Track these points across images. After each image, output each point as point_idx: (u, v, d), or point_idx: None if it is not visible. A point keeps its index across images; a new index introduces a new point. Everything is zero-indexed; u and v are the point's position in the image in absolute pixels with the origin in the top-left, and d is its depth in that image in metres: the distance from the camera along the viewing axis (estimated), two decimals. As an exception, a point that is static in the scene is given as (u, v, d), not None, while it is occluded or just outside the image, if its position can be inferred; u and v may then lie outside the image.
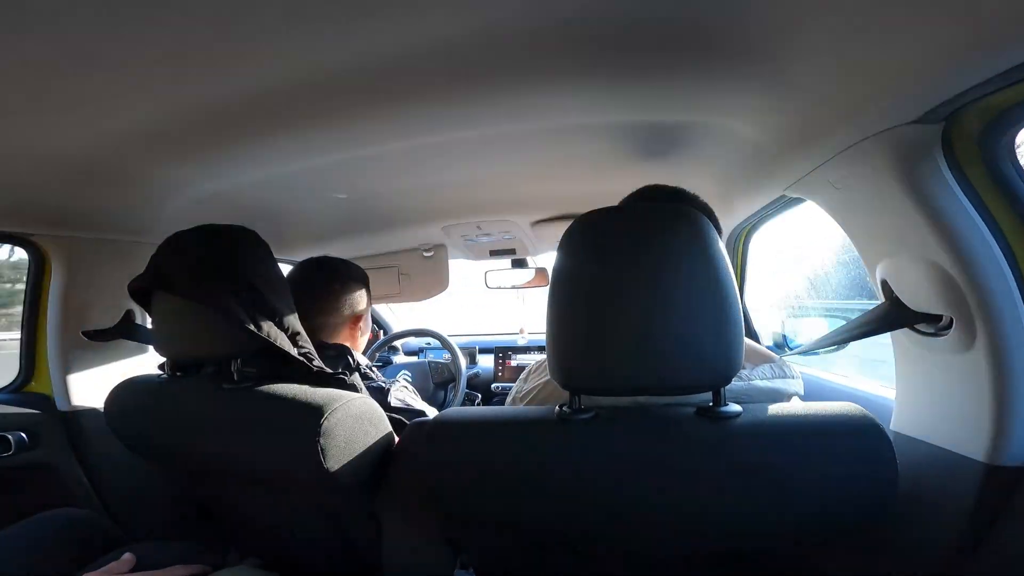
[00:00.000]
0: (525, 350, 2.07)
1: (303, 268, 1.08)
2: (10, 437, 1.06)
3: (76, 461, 1.13)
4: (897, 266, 0.71)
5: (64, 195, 0.95)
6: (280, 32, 0.56)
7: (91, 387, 1.16)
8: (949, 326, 0.66)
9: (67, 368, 1.13)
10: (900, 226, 0.68)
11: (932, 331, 0.69)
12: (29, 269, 1.14)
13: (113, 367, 1.20)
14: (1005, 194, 0.63)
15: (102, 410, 0.91)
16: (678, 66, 0.69)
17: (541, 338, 2.18)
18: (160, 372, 0.91)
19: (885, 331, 0.74)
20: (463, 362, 1.78)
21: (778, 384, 0.71)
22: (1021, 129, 0.62)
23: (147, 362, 1.27)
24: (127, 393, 0.90)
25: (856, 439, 0.57)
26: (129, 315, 1.19)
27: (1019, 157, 0.64)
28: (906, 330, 0.72)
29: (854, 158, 0.71)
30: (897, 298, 0.72)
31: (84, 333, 1.13)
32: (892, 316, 0.72)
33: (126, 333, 1.18)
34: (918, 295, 0.69)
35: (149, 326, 1.23)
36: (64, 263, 1.10)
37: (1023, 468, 0.62)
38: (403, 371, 1.31)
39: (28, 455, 1.08)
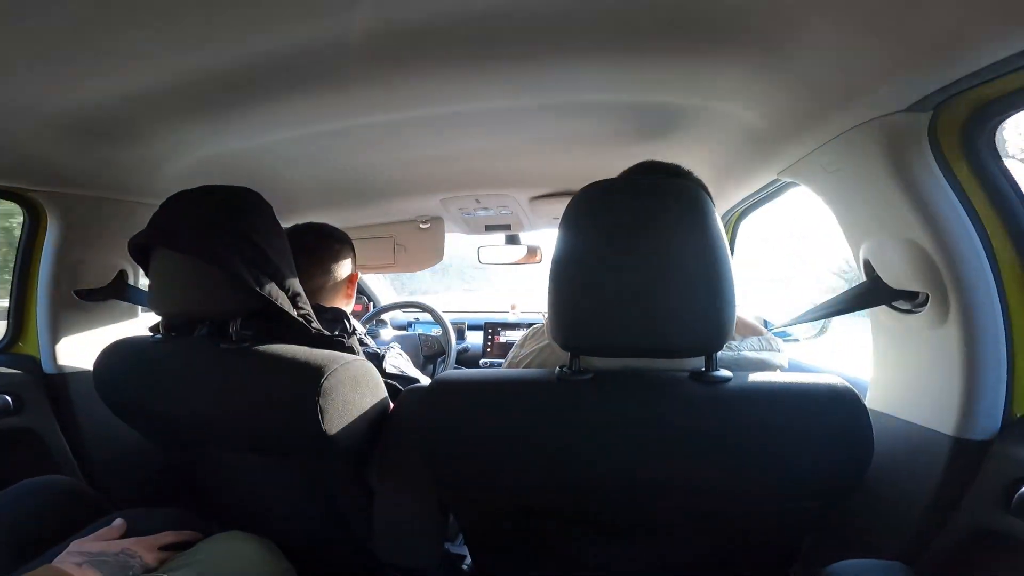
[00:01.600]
0: (515, 326, 2.09)
1: (293, 232, 1.08)
2: None
3: (59, 426, 1.13)
4: (879, 246, 0.75)
5: (66, 152, 0.94)
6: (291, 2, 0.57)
7: (79, 349, 1.15)
8: (925, 303, 0.70)
9: (56, 329, 1.12)
10: (885, 208, 0.72)
11: (909, 307, 0.73)
12: (23, 226, 1.12)
13: (102, 330, 1.19)
14: (984, 180, 0.67)
15: (88, 372, 0.90)
16: (680, 49, 0.70)
17: (532, 316, 2.21)
18: (151, 334, 0.90)
19: (865, 307, 0.78)
20: (453, 335, 1.79)
21: (765, 356, 0.75)
22: (1003, 120, 0.66)
23: (137, 326, 1.26)
24: (118, 353, 0.89)
25: (836, 408, 0.60)
26: (122, 275, 1.19)
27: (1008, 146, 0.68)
28: (884, 308, 0.76)
29: (846, 143, 0.74)
30: (878, 276, 0.76)
31: (76, 292, 1.12)
32: (872, 293, 0.76)
33: (119, 293, 1.17)
34: (897, 273, 0.73)
35: (142, 287, 1.23)
36: (61, 221, 1.09)
37: (989, 442, 0.66)
38: (393, 342, 1.32)
39: (11, 420, 1.07)
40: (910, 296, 0.72)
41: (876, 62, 0.61)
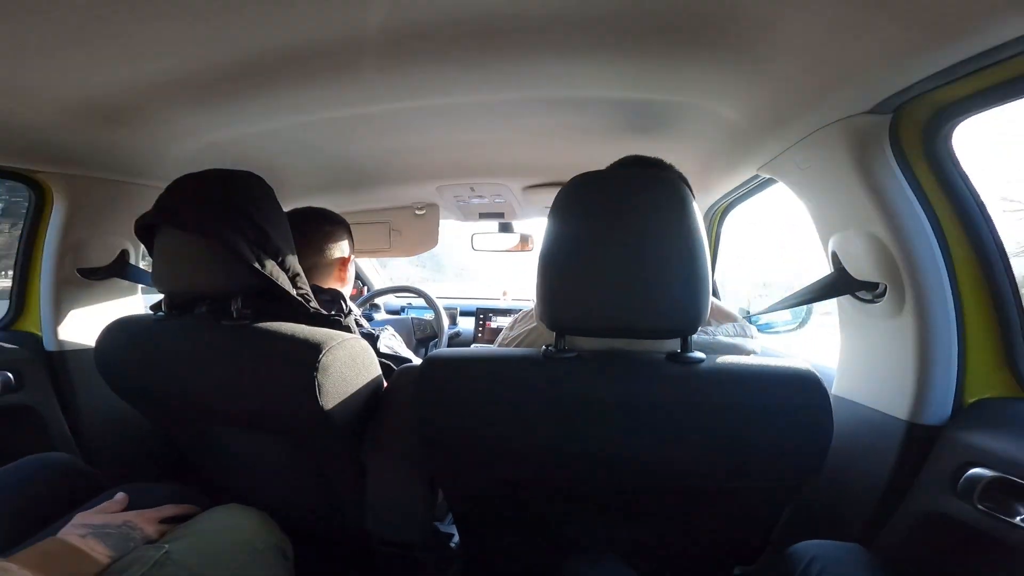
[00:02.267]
0: (506, 312, 2.13)
1: (290, 215, 1.11)
2: None
3: (58, 404, 1.15)
4: (845, 239, 0.80)
5: (74, 135, 0.96)
6: None
7: (80, 327, 1.18)
8: (884, 293, 0.75)
9: (58, 307, 1.15)
10: (850, 203, 0.76)
11: (870, 297, 0.78)
12: (29, 206, 1.15)
13: (103, 308, 1.22)
14: (941, 179, 0.72)
15: (89, 351, 0.92)
16: (668, 49, 0.74)
17: (523, 303, 2.26)
18: (153, 312, 0.93)
19: (831, 296, 0.83)
20: (445, 320, 1.83)
21: (738, 341, 0.80)
22: (960, 122, 0.70)
23: (137, 305, 1.29)
24: (120, 331, 0.91)
25: (799, 391, 0.64)
26: (124, 255, 1.22)
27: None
28: (849, 297, 0.81)
29: (816, 142, 0.79)
30: (843, 267, 0.81)
31: (79, 270, 1.15)
32: (838, 283, 0.81)
33: (120, 272, 1.20)
34: (860, 265, 0.78)
35: (143, 267, 1.26)
36: (66, 201, 1.11)
37: (941, 428, 0.71)
38: (387, 324, 1.36)
39: (11, 397, 1.09)
40: (871, 287, 0.77)
41: (840, 65, 0.65)
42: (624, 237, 0.63)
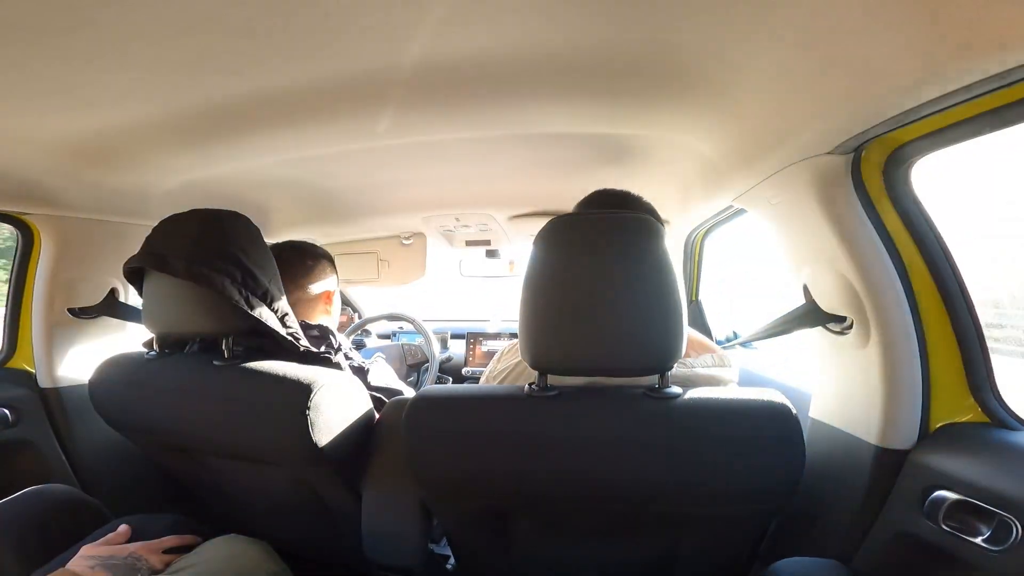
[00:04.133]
0: (495, 336, 2.15)
1: (273, 249, 1.12)
2: None
3: (55, 438, 1.16)
4: (814, 274, 0.83)
5: (60, 177, 0.98)
6: (280, 44, 0.63)
7: (72, 364, 1.19)
8: (851, 327, 0.78)
9: (50, 345, 1.15)
10: (817, 239, 0.80)
11: (839, 330, 0.81)
12: (17, 247, 1.16)
13: (95, 345, 1.23)
14: (903, 215, 0.75)
15: (83, 387, 0.94)
16: (643, 90, 0.78)
17: (511, 325, 2.28)
18: (145, 350, 0.94)
19: (803, 328, 0.86)
20: (436, 345, 1.84)
21: (716, 372, 0.82)
22: (918, 160, 0.74)
23: (128, 341, 1.30)
24: (114, 369, 0.92)
25: (773, 422, 0.66)
26: (113, 293, 1.23)
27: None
28: (820, 328, 0.84)
29: (783, 180, 0.83)
30: (814, 300, 0.84)
31: (69, 310, 1.16)
32: (808, 316, 0.84)
33: (110, 310, 1.21)
34: (829, 299, 0.81)
35: (132, 304, 1.26)
36: (54, 242, 1.13)
37: (908, 451, 0.74)
38: (378, 352, 1.37)
39: (9, 432, 1.10)
40: (839, 320, 0.80)
41: (801, 109, 0.69)
42: (598, 280, 0.66)
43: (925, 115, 0.62)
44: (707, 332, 1.72)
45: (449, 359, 2.13)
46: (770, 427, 0.66)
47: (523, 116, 0.89)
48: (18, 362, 1.21)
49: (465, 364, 2.12)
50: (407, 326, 2.29)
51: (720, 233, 1.55)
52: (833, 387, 0.87)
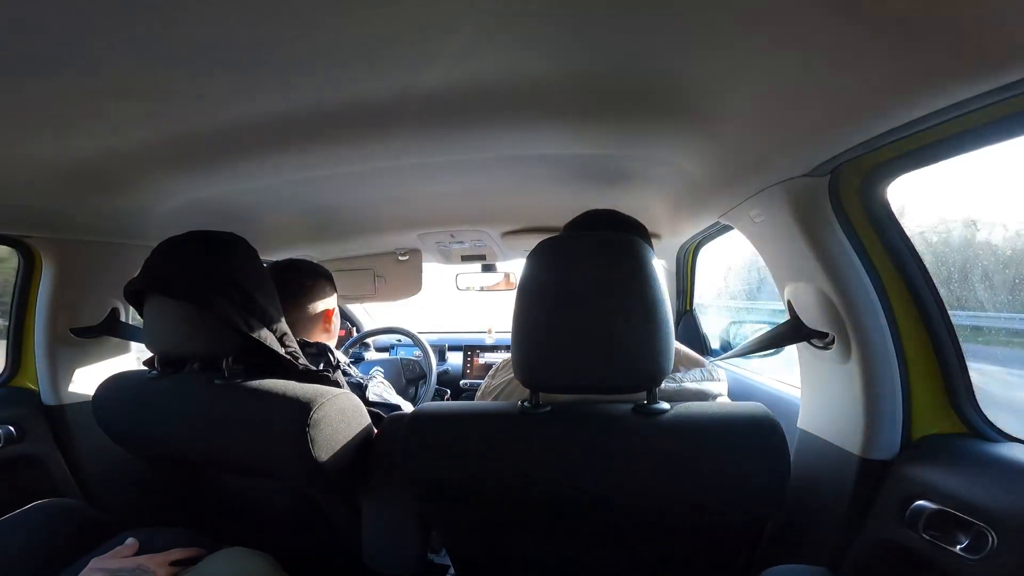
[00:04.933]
0: (493, 348, 2.17)
1: (274, 269, 1.14)
2: None
3: (60, 454, 1.17)
4: (797, 290, 0.86)
5: (61, 200, 0.99)
6: (279, 73, 0.65)
7: (75, 382, 1.20)
8: (833, 342, 0.81)
9: (53, 363, 1.17)
10: (799, 257, 0.82)
11: (821, 345, 0.83)
12: (19, 269, 1.18)
13: (97, 364, 1.25)
14: (880, 234, 0.78)
15: (86, 404, 0.95)
16: (629, 114, 0.80)
17: (507, 337, 2.28)
18: (146, 368, 0.96)
19: (788, 344, 0.89)
20: (434, 359, 1.86)
21: (705, 386, 0.84)
22: (892, 181, 0.77)
23: (129, 360, 1.32)
24: (116, 388, 0.94)
25: (758, 435, 0.68)
26: (114, 313, 1.24)
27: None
28: (805, 343, 0.87)
29: (765, 200, 0.85)
30: (798, 316, 0.86)
31: (71, 330, 1.18)
32: (792, 332, 0.86)
33: (112, 330, 1.23)
34: (812, 315, 0.84)
35: (132, 323, 1.28)
36: (55, 264, 1.15)
37: (890, 462, 0.76)
38: (376, 367, 1.39)
39: (14, 448, 1.12)
40: (821, 335, 0.82)
41: (778, 133, 0.72)
42: (587, 300, 0.68)
43: (896, 139, 0.64)
44: (702, 342, 1.74)
45: (446, 372, 2.14)
46: (755, 439, 0.68)
47: (516, 139, 0.91)
48: (22, 380, 1.22)
49: (463, 376, 2.13)
50: (405, 339, 2.31)
51: (717, 244, 1.57)
52: (819, 399, 0.89)
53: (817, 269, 0.79)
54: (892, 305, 0.76)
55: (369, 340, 2.25)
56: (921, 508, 0.68)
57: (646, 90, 0.72)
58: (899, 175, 0.75)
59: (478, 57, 0.63)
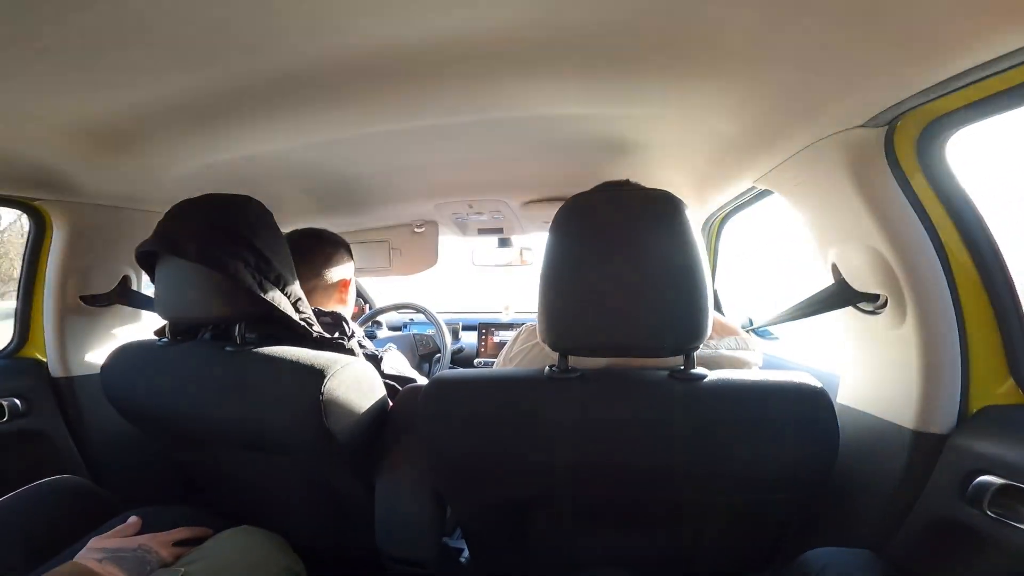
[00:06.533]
0: (508, 327, 2.14)
1: (289, 237, 1.10)
2: (3, 403, 1.08)
3: (66, 428, 1.16)
4: (844, 252, 0.80)
5: (71, 162, 0.97)
6: (297, 18, 0.60)
7: (84, 353, 1.19)
8: (885, 305, 0.75)
9: (62, 333, 1.15)
10: (848, 216, 0.77)
11: (871, 309, 0.78)
12: (29, 234, 1.15)
13: (107, 334, 1.23)
14: (939, 190, 0.72)
15: (94, 376, 0.93)
16: (663, 67, 0.75)
17: (526, 316, 2.26)
18: (156, 338, 0.94)
19: (833, 309, 0.83)
20: (448, 335, 1.83)
21: (740, 354, 0.80)
22: (953, 134, 0.71)
23: (140, 330, 1.30)
24: (126, 356, 0.92)
25: (804, 405, 0.64)
26: (126, 281, 1.22)
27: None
28: (850, 309, 0.81)
29: (812, 156, 0.79)
30: (844, 280, 0.81)
31: (81, 298, 1.16)
32: (838, 296, 0.81)
33: (123, 298, 1.21)
34: (861, 277, 0.78)
35: (145, 292, 1.26)
36: (66, 229, 1.12)
37: (947, 436, 0.71)
38: (390, 343, 1.36)
39: (20, 422, 1.11)
40: (872, 299, 0.77)
41: (833, 80, 0.66)
42: (622, 257, 0.64)
43: (964, 84, 0.59)
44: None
45: (461, 350, 2.12)
46: (802, 409, 0.64)
47: (537, 96, 0.86)
48: (29, 351, 1.21)
49: (477, 355, 2.11)
50: (419, 317, 2.28)
51: (740, 218, 1.51)
52: (864, 371, 0.84)
53: (871, 228, 0.73)
54: (951, 265, 0.71)
55: (381, 318, 2.23)
56: (986, 483, 0.63)
57: (685, 38, 0.66)
58: (963, 126, 0.69)
59: (503, 1, 0.58)
